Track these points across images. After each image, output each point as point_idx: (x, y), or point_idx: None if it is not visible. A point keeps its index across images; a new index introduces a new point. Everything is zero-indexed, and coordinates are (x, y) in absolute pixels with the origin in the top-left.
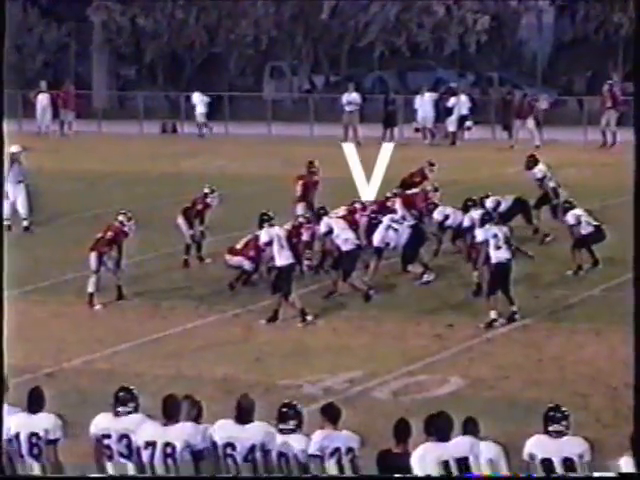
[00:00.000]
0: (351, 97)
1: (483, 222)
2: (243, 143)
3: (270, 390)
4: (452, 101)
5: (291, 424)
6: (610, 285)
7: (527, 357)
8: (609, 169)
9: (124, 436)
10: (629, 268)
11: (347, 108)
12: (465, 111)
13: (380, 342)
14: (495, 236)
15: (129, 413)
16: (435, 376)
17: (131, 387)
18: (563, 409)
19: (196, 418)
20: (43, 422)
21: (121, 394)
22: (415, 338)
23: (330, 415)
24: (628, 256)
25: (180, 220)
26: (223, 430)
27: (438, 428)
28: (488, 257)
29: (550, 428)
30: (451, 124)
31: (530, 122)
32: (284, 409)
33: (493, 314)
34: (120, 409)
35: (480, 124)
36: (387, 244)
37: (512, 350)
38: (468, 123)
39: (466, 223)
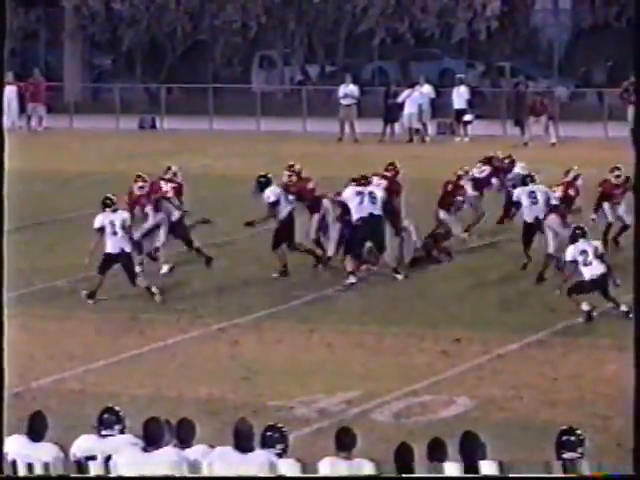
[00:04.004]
0: (348, 89)
1: (574, 238)
2: (229, 140)
3: (259, 412)
4: (404, 94)
5: (278, 448)
6: (633, 297)
7: (542, 376)
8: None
9: (111, 457)
10: None
11: (344, 101)
12: (463, 104)
13: (380, 359)
14: (584, 252)
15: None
16: (440, 396)
17: (117, 408)
18: (578, 432)
19: (188, 442)
20: (43, 453)
21: (106, 416)
22: (418, 355)
23: (343, 442)
24: None
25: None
26: (223, 460)
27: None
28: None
29: (564, 456)
30: (406, 120)
31: (544, 118)
32: (269, 432)
33: (585, 306)
34: (105, 432)
35: (490, 118)
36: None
37: (525, 368)
38: (467, 117)
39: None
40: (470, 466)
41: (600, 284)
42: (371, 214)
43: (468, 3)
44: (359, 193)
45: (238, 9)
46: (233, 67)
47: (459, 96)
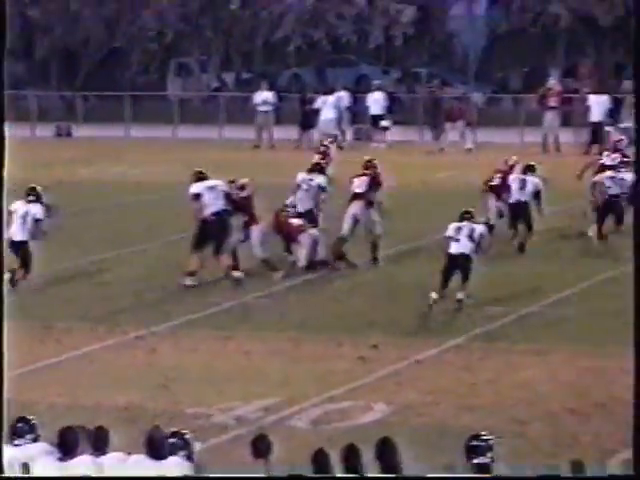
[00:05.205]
0: (265, 96)
1: (460, 219)
2: (146, 147)
3: (177, 419)
4: (320, 100)
5: (181, 455)
6: (549, 301)
7: (459, 381)
8: (549, 174)
9: (28, 466)
10: (568, 284)
11: (261, 108)
12: (379, 110)
13: (298, 366)
14: (459, 229)
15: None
16: (359, 403)
17: (30, 417)
18: (487, 438)
19: (103, 450)
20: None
21: (19, 425)
22: (336, 361)
23: (258, 449)
24: (566, 271)
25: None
26: (138, 467)
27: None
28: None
29: (474, 461)
30: (323, 126)
31: (461, 124)
32: (172, 439)
33: (433, 294)
34: (17, 442)
35: (407, 124)
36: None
37: (443, 373)
38: (384, 123)
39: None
40: (388, 471)
41: (457, 262)
42: (224, 210)
43: (383, 9)
44: (211, 188)
45: (154, 16)
46: (150, 74)
47: (375, 102)
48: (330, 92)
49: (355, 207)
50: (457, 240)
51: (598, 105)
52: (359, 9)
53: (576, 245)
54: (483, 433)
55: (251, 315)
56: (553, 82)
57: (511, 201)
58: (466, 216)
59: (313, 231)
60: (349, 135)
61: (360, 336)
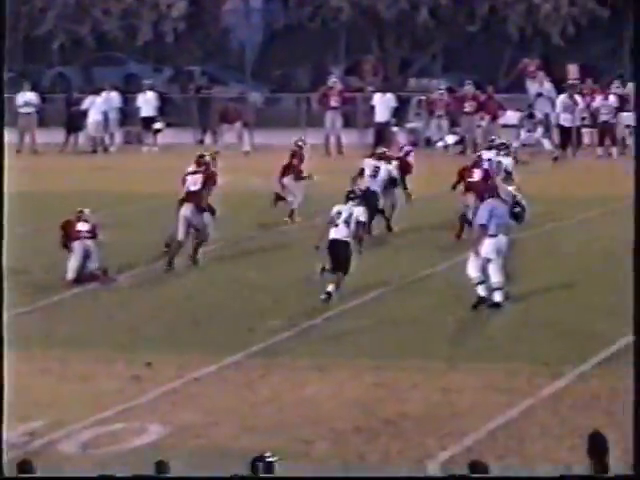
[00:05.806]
0: (27, 97)
1: (347, 199)
2: None
3: None
4: (87, 101)
5: None
6: (334, 313)
7: (240, 399)
8: (344, 176)
9: None
10: (356, 294)
11: (22, 110)
12: (151, 111)
13: (66, 386)
14: (339, 214)
15: None
16: (132, 424)
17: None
18: (270, 460)
19: None
20: None
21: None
22: (108, 380)
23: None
24: (353, 281)
25: None
26: None
27: None
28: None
29: None
30: (91, 129)
31: (238, 125)
32: None
33: (330, 287)
34: None
35: (180, 126)
36: None
37: (222, 392)
38: (157, 125)
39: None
40: None
41: (335, 249)
42: None
43: (153, 4)
44: None
45: None
46: None
47: (147, 103)
48: (98, 92)
49: (187, 209)
50: (336, 225)
51: (383, 104)
52: (126, 4)
53: (380, 250)
54: (267, 454)
55: (15, 332)
56: (334, 80)
57: (361, 187)
58: (350, 196)
59: (89, 242)
60: (118, 138)
61: (133, 353)
